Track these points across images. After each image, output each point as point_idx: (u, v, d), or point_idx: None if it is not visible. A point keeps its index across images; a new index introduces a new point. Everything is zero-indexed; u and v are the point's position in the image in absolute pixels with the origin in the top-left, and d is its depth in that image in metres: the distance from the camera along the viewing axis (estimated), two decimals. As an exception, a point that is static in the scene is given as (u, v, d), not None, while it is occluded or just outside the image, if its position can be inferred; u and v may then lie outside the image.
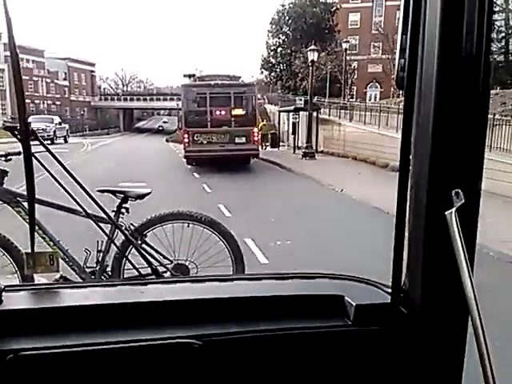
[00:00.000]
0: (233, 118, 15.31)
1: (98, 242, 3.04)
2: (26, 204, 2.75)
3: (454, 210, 0.80)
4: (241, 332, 0.97)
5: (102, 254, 3.09)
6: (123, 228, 3.00)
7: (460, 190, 0.82)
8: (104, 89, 67.23)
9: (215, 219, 3.41)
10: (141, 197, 3.20)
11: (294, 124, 21.30)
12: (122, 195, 3.13)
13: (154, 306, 1.01)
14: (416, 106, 0.89)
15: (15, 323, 0.93)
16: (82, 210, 2.59)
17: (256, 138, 15.60)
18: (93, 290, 1.16)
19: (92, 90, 61.27)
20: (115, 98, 60.34)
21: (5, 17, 1.05)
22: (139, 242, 3.09)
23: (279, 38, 37.91)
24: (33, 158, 1.34)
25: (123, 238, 3.00)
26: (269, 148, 22.66)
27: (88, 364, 0.91)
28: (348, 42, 33.10)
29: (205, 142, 15.06)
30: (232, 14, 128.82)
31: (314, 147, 19.05)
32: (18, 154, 2.67)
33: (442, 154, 0.86)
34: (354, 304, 1.01)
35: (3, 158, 3.07)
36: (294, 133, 21.30)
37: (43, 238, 2.97)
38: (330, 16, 36.61)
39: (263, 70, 39.19)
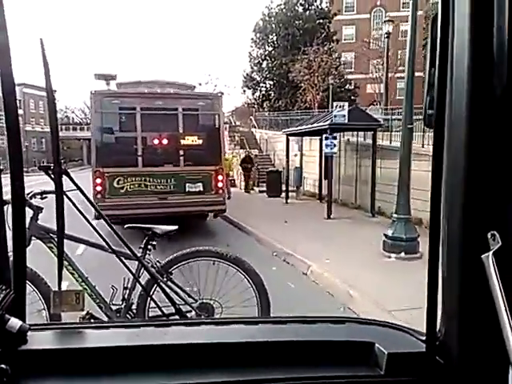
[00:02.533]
0: (182, 152, 8.96)
1: (124, 279, 3.07)
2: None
3: (490, 253, 0.78)
4: (267, 380, 0.95)
5: (127, 291, 3.12)
6: (149, 265, 3.06)
7: (496, 232, 0.79)
8: (72, 118, 60.79)
9: (240, 257, 3.41)
10: (167, 233, 3.26)
11: (326, 160, 11.14)
12: (150, 232, 3.19)
13: (177, 349, 1.01)
14: (446, 145, 0.87)
15: (39, 363, 0.94)
16: (107, 246, 2.70)
17: (221, 184, 9.30)
18: (117, 331, 1.15)
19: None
20: (78, 128, 53.42)
21: (42, 61, 1.16)
22: (165, 280, 3.12)
23: (265, 50, 32.03)
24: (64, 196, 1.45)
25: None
26: (261, 195, 15.82)
27: None
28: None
29: (132, 190, 8.76)
30: (204, 21, 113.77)
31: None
32: (53, 192, 2.21)
33: (476, 194, 0.84)
34: (386, 352, 0.97)
35: (39, 196, 3.11)
36: (326, 176, 11.39)
37: (72, 274, 3.07)
38: (327, 22, 30.92)
39: (245, 88, 33.09)
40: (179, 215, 8.24)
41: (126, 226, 3.26)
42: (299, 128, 12.69)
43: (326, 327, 1.16)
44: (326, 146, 10.32)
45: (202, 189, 9.00)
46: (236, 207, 11.04)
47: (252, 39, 32.22)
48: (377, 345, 1.00)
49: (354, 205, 12.16)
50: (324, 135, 10.63)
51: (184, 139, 8.81)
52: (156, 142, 8.72)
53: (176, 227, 3.41)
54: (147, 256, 3.15)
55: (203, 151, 8.97)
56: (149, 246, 3.18)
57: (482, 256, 0.78)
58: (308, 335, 1.09)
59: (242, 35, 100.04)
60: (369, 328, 1.14)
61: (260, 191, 16.89)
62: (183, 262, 3.32)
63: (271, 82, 32.01)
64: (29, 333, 0.95)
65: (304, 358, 1.00)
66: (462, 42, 0.80)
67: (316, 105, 24.35)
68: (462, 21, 0.80)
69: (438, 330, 0.96)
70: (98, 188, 8.41)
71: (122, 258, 2.75)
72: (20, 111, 50.70)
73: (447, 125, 0.85)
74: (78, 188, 2.19)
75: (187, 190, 8.93)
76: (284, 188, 14.78)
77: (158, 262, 3.21)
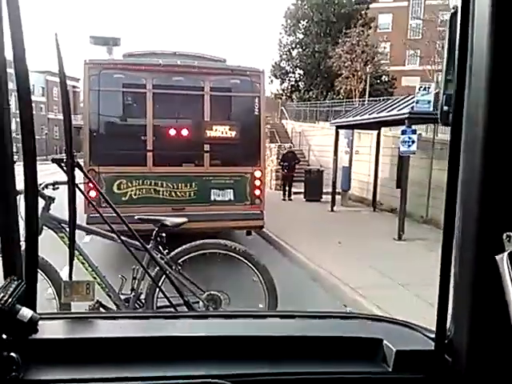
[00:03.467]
0: (207, 147, 6.56)
1: (133, 269, 3.12)
2: (67, 229, 2.82)
3: (506, 254, 0.75)
4: (273, 373, 0.96)
5: (136, 281, 3.17)
6: (158, 256, 3.12)
7: None
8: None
9: (249, 251, 3.46)
10: (177, 225, 3.31)
11: (400, 161, 8.95)
12: (159, 223, 3.21)
13: (185, 341, 1.01)
14: (463, 144, 0.84)
15: (49, 352, 0.95)
16: (117, 236, 2.74)
17: (258, 192, 6.89)
18: (126, 322, 1.18)
19: (74, 108, 53.96)
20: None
21: (57, 56, 1.22)
22: (174, 271, 3.15)
23: (296, 37, 29.36)
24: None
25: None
26: (297, 197, 12.99)
27: None
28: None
29: (137, 198, 6.44)
30: (231, 8, 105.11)
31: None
32: (65, 183, 2.36)
33: (493, 194, 0.82)
34: (395, 349, 0.98)
35: (51, 187, 3.25)
36: (398, 182, 9.06)
37: (83, 263, 3.13)
38: (364, 7, 27.93)
39: (273, 77, 30.45)
40: (199, 232, 5.86)
41: (136, 217, 3.25)
42: (356, 119, 10.03)
43: (335, 323, 1.16)
44: (404, 142, 7.71)
45: (232, 197, 6.61)
46: (269, 214, 8.59)
47: (282, 25, 29.60)
48: (385, 341, 1.00)
49: (425, 218, 9.55)
50: (401, 129, 7.99)
51: (211, 130, 6.39)
52: (173, 132, 6.32)
53: (185, 219, 3.49)
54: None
55: (237, 146, 6.54)
56: (158, 238, 3.21)
57: (497, 257, 0.76)
58: (316, 330, 1.09)
59: (270, 21, 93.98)
60: (378, 325, 1.13)
61: (294, 192, 14.38)
62: (192, 254, 3.35)
63: (301, 72, 29.40)
64: (39, 322, 0.94)
65: (311, 352, 1.00)
66: (482, 38, 0.77)
67: (357, 94, 21.60)
68: (482, 16, 0.77)
69: (447, 328, 0.94)
70: (92, 193, 6.08)
71: (132, 249, 2.75)
72: (43, 99, 49.97)
73: (465, 122, 0.82)
74: (90, 181, 2.55)
75: (212, 198, 6.55)
76: (326, 191, 12.31)
77: (167, 252, 3.25)
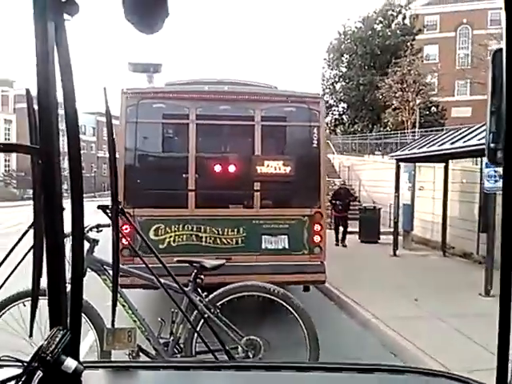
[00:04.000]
0: (258, 185, 5.60)
1: (172, 312, 3.11)
2: (110, 271, 2.97)
3: None
4: None
5: (175, 325, 3.16)
6: (197, 299, 3.12)
7: None
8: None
9: (288, 293, 3.40)
10: (216, 267, 3.35)
11: (486, 200, 7.31)
12: (198, 265, 3.25)
13: None
14: None
15: None
16: (156, 279, 2.70)
17: (318, 238, 5.81)
18: (167, 373, 1.18)
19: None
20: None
21: (105, 109, 1.37)
22: (213, 314, 3.14)
23: (339, 70, 28.76)
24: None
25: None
26: (350, 237, 11.44)
27: None
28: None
29: (177, 245, 5.54)
30: (272, 40, 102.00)
31: None
32: (108, 226, 2.86)
33: None
34: None
35: (95, 229, 3.30)
36: (482, 224, 7.87)
37: (123, 305, 3.14)
38: (410, 39, 26.97)
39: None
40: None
41: (176, 259, 3.34)
42: (422, 151, 8.78)
43: (382, 377, 1.10)
44: (489, 177, 6.43)
45: (287, 245, 5.55)
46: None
47: (325, 60, 29.20)
48: None
49: None
50: (485, 161, 6.76)
51: (262, 165, 5.45)
52: (218, 169, 5.44)
53: (224, 261, 3.50)
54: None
55: (292, 184, 5.55)
56: (197, 280, 3.21)
57: None
58: None
59: (312, 56, 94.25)
60: (427, 379, 1.06)
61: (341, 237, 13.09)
62: (230, 297, 3.32)
63: (345, 105, 28.59)
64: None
65: None
66: None
67: (409, 126, 20.30)
68: None
69: (508, 381, 0.87)
70: (124, 240, 5.24)
71: (170, 291, 2.76)
72: (93, 138, 52.01)
73: None
74: (134, 227, 3.00)
75: (264, 246, 5.53)
76: (382, 230, 11.01)
77: (205, 295, 3.22)
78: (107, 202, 2.18)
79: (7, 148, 1.07)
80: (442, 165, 9.96)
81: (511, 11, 0.77)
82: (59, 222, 0.93)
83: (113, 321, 1.44)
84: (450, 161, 10.00)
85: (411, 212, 10.35)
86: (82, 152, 0.99)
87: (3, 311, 3.29)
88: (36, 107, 0.91)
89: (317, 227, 5.55)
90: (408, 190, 10.04)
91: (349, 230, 12.69)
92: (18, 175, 36.94)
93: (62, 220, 0.93)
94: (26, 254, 2.03)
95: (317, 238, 5.54)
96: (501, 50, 0.81)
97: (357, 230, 12.25)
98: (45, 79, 0.89)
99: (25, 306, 3.10)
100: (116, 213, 1.69)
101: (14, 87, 40.82)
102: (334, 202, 11.23)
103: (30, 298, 1.14)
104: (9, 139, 38.82)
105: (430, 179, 11.14)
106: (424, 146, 9.16)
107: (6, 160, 38.86)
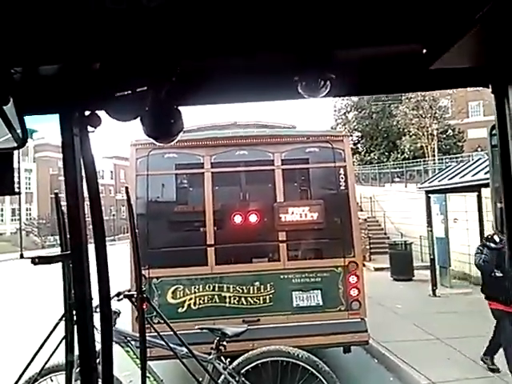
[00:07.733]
0: (283, 236, 5.18)
1: (198, 380, 3.04)
2: (133, 343, 3.19)
3: None
4: None
5: None
6: (221, 367, 3.15)
7: None
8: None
9: (313, 357, 3.35)
10: (238, 335, 3.34)
11: None
12: (219, 332, 3.24)
13: None
14: None
15: None
16: (186, 348, 2.77)
17: (356, 292, 5.20)
18: None
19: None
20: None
21: (127, 207, 1.63)
22: (238, 382, 3.13)
23: (350, 100, 28.62)
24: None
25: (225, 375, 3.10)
26: (381, 274, 10.83)
27: None
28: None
29: (197, 308, 4.99)
30: None
31: None
32: (128, 296, 2.94)
33: None
34: None
35: (116, 298, 3.14)
36: None
37: (148, 377, 3.05)
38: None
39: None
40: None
41: (197, 326, 3.47)
42: (454, 182, 8.17)
43: None
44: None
45: (321, 301, 4.93)
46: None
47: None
48: None
49: None
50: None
51: (286, 213, 4.94)
52: (238, 220, 4.94)
53: (245, 328, 3.51)
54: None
55: (321, 232, 5.01)
56: (220, 347, 3.18)
57: None
58: None
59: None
60: None
61: (375, 269, 12.30)
62: (254, 363, 3.28)
63: (359, 134, 28.20)
64: None
65: None
66: None
67: (429, 152, 19.67)
68: None
69: None
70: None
71: (194, 360, 2.79)
72: (112, 181, 52.68)
73: None
74: (164, 320, 2.70)
75: (295, 304, 4.92)
76: (416, 265, 10.25)
77: (229, 362, 3.20)
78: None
79: (42, 261, 1.12)
80: (475, 194, 9.28)
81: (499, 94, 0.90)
82: (89, 322, 0.98)
83: None
84: (483, 188, 9.32)
85: (447, 246, 9.57)
86: (101, 195, 1.08)
87: None
88: (65, 210, 1.01)
89: (353, 279, 4.93)
90: (441, 223, 9.31)
91: (378, 266, 11.97)
92: (39, 223, 37.12)
93: (91, 319, 0.99)
94: (58, 346, 2.28)
95: (354, 292, 4.92)
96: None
97: (386, 265, 11.54)
98: (72, 188, 1.00)
99: (52, 380, 3.18)
100: (141, 300, 1.81)
101: (33, 138, 41.93)
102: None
103: (57, 373, 1.47)
104: (29, 188, 39.89)
105: (461, 209, 10.42)
106: (455, 175, 8.54)
107: (27, 209, 39.22)
